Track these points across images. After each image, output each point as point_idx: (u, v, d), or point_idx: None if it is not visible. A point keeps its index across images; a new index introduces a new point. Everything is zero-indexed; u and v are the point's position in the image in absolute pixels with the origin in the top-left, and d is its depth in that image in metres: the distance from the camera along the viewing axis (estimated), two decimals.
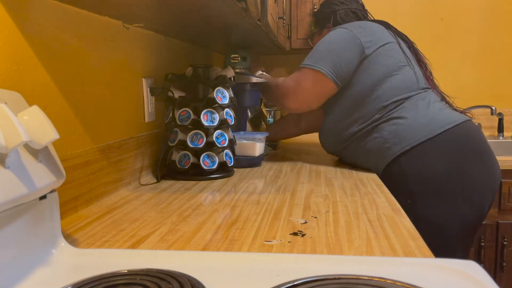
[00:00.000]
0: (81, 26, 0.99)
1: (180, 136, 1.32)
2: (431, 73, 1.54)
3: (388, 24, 1.56)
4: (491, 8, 2.47)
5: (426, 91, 1.44)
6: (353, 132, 1.46)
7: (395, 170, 1.36)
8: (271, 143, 2.02)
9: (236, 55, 1.96)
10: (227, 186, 1.22)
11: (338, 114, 1.49)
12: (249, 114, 1.85)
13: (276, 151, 1.94)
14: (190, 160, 1.31)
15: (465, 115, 1.44)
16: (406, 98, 1.40)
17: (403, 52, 1.46)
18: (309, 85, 1.45)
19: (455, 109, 1.47)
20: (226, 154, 1.36)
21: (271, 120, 1.84)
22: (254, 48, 2.03)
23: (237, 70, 1.94)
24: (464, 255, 1.43)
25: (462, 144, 1.34)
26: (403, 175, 1.35)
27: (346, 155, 1.54)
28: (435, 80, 1.55)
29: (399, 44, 1.47)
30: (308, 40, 1.98)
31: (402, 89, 1.40)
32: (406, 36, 1.55)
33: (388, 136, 1.38)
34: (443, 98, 1.49)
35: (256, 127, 1.87)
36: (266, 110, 2.06)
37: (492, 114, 2.39)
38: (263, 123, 1.88)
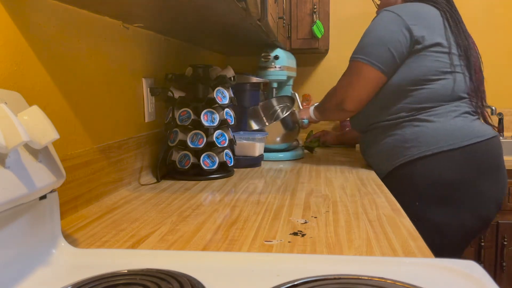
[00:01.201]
0: (81, 26, 0.99)
1: (180, 136, 1.32)
2: (480, 81, 1.45)
3: (452, 12, 1.41)
4: (491, 8, 2.47)
5: (462, 101, 1.37)
6: (378, 120, 1.43)
7: (407, 171, 1.35)
8: (308, 146, 1.90)
9: (267, 54, 1.80)
10: (227, 186, 1.22)
11: (373, 98, 1.44)
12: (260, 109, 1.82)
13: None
14: (190, 160, 1.31)
15: (494, 129, 1.39)
16: (439, 106, 1.35)
17: (450, 58, 1.36)
18: (363, 82, 1.39)
19: (486, 122, 1.42)
20: (226, 154, 1.36)
21: (306, 121, 1.65)
22: (254, 48, 2.02)
23: (271, 69, 1.81)
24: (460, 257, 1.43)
25: (481, 161, 1.32)
26: (414, 177, 1.33)
27: (363, 139, 1.53)
28: (481, 87, 1.45)
29: (449, 47, 1.37)
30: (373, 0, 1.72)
31: (438, 97, 1.34)
32: (465, 33, 1.43)
33: (410, 137, 1.35)
34: (478, 109, 1.41)
35: (291, 130, 1.70)
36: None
37: (492, 114, 2.39)
38: (297, 125, 1.71)
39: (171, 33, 1.46)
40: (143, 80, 1.31)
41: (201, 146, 1.31)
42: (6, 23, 0.75)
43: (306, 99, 2.53)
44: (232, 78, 1.42)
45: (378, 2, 1.63)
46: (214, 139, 1.33)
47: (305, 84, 2.62)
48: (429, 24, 1.36)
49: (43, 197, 0.65)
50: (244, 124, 1.83)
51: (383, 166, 1.41)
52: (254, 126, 1.88)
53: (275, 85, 1.93)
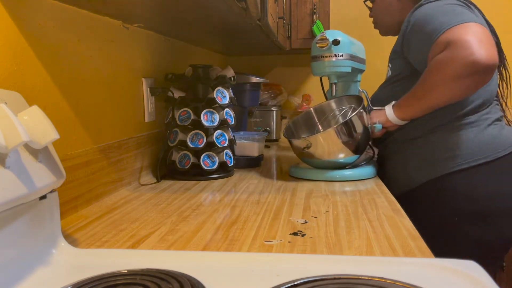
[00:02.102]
0: (81, 26, 0.99)
1: (180, 136, 1.32)
2: (507, 83, 1.36)
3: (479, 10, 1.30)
4: (491, 8, 2.47)
5: (492, 105, 1.29)
6: (406, 127, 1.29)
7: (443, 185, 1.26)
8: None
9: (324, 37, 1.37)
10: (227, 186, 1.22)
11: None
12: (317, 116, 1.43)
13: (269, 149, 1.93)
14: (190, 160, 1.31)
15: None
16: (476, 112, 1.25)
17: (498, 52, 1.18)
18: (478, 29, 1.08)
19: (510, 125, 1.35)
20: (226, 154, 1.36)
21: (379, 126, 1.26)
22: (254, 48, 2.01)
23: (328, 59, 1.37)
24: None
25: None
26: (453, 193, 1.25)
27: (385, 149, 1.39)
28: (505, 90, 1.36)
29: (497, 39, 1.24)
30: (365, 3, 1.56)
31: (479, 101, 1.24)
32: (495, 31, 1.31)
33: (443, 149, 1.25)
34: (503, 113, 1.34)
35: (359, 138, 1.25)
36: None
37: None
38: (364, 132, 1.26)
39: (171, 33, 1.46)
40: (143, 80, 1.31)
41: (201, 146, 1.31)
42: (6, 23, 0.75)
43: (306, 99, 2.53)
44: (232, 78, 1.42)
45: (371, 6, 1.54)
46: (214, 139, 1.33)
47: (305, 84, 2.63)
48: (477, 14, 1.23)
49: (43, 197, 0.65)
50: (244, 124, 1.83)
51: (411, 180, 1.30)
52: (303, 136, 1.43)
53: (334, 80, 1.43)
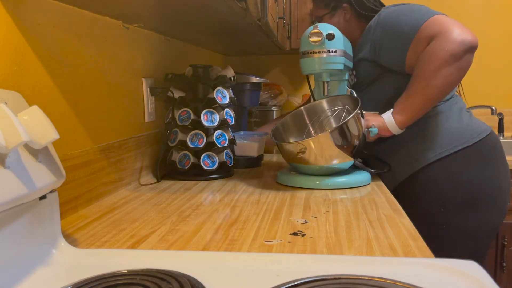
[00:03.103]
0: (81, 26, 0.99)
1: (180, 136, 1.32)
2: None
3: None
4: (491, 7, 2.47)
5: (455, 94, 1.33)
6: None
7: (427, 177, 1.29)
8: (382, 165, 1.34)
9: (318, 31, 1.22)
10: (227, 186, 1.22)
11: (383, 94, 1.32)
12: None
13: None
14: (190, 160, 1.31)
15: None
16: (445, 101, 1.29)
17: None
18: (448, 18, 1.19)
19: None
20: (226, 154, 1.36)
21: (375, 130, 1.20)
22: (254, 48, 2.01)
23: (322, 55, 1.23)
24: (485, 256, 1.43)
25: (493, 153, 1.30)
26: (436, 183, 1.28)
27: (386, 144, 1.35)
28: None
29: None
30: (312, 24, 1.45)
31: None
32: None
33: (422, 139, 1.29)
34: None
35: (355, 143, 1.16)
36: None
37: (492, 114, 2.40)
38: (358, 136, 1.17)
39: (171, 33, 1.46)
40: (143, 80, 1.32)
41: (201, 146, 1.31)
42: (6, 23, 0.75)
43: (306, 99, 2.53)
44: (232, 78, 1.42)
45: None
46: (214, 139, 1.33)
47: (305, 84, 2.63)
48: None
49: (43, 197, 0.65)
50: (245, 124, 1.82)
51: (394, 177, 1.33)
52: (292, 138, 1.34)
53: (327, 78, 1.29)
